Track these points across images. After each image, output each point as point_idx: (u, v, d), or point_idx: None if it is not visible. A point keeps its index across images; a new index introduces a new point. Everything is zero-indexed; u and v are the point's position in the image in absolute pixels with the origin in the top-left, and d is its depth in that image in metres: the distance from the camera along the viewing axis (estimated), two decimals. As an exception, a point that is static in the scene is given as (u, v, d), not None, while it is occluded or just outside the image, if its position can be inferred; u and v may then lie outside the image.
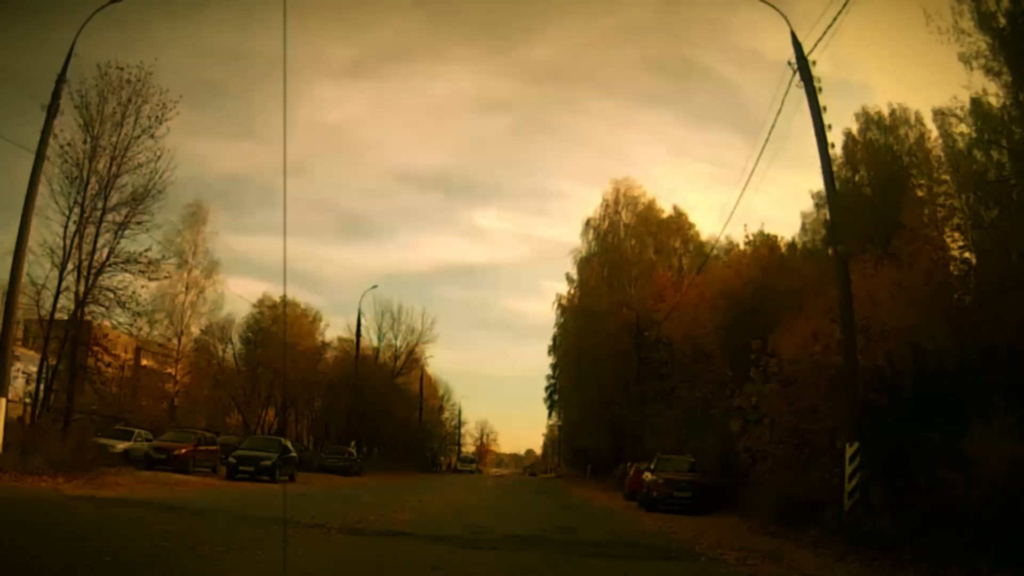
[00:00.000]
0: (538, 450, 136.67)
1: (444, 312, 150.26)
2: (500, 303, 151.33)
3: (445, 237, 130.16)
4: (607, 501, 25.89)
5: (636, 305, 42.23)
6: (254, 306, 49.52)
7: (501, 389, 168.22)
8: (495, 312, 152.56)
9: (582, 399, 50.13)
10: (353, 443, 41.36)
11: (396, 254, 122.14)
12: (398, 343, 61.30)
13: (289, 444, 26.98)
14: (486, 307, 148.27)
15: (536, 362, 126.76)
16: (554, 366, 74.71)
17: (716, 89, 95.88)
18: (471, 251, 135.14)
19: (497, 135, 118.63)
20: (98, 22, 17.53)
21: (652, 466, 21.30)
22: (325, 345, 52.11)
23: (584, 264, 54.71)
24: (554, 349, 73.03)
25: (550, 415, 79.85)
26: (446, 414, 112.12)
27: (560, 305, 59.80)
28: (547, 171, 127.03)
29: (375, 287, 46.89)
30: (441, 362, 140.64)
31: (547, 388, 77.59)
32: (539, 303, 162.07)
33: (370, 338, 59.26)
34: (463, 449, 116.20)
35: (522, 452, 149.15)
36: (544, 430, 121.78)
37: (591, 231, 54.50)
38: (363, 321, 58.43)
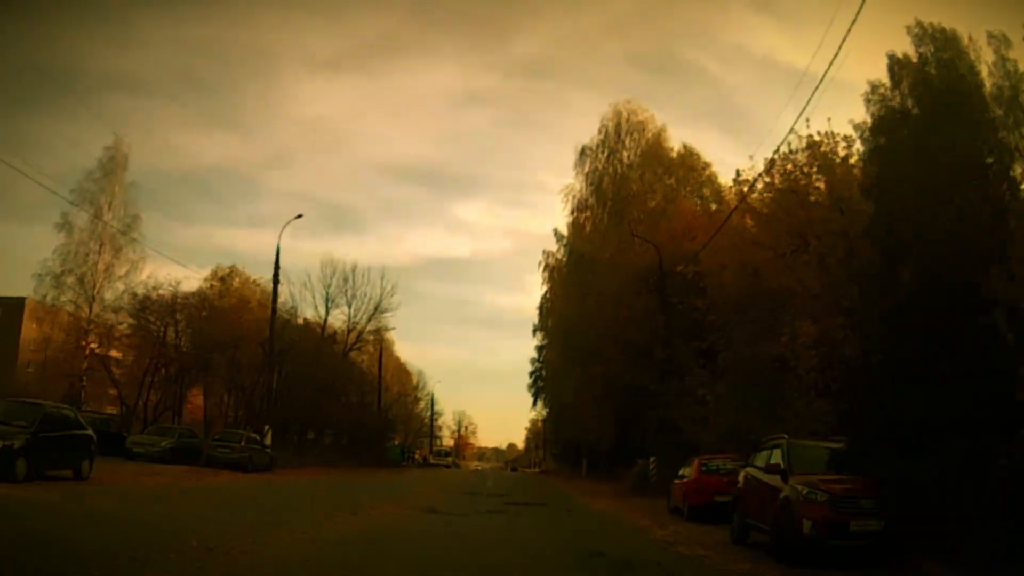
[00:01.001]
0: (520, 444, 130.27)
1: (426, 306, 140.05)
2: (483, 298, 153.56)
3: (428, 230, 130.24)
4: (655, 525, 14.27)
5: (659, 238, 30.96)
6: (204, 280, 39.29)
7: (484, 383, 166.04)
8: (478, 307, 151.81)
9: (578, 379, 38.82)
10: (268, 428, 29.86)
11: (379, 247, 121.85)
12: (352, 312, 49.50)
13: (69, 413, 15.27)
14: (469, 301, 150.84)
15: (519, 356, 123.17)
16: (540, 348, 64.90)
17: (699, 85, 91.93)
18: (454, 245, 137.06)
19: (481, 129, 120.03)
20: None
21: (782, 464, 9.62)
22: (244, 302, 39.93)
23: (579, 208, 43.12)
24: (539, 327, 63.17)
25: (535, 403, 69.42)
26: (421, 404, 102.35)
27: (547, 266, 48.48)
28: (530, 165, 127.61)
29: (299, 217, 33.86)
30: (422, 356, 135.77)
31: (531, 374, 67.57)
32: (522, 298, 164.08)
33: (316, 305, 47.64)
34: (439, 442, 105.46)
35: (504, 446, 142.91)
36: (527, 423, 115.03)
37: (587, 164, 42.85)
38: (310, 286, 47.33)
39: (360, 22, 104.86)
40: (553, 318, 48.25)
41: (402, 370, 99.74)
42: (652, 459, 25.26)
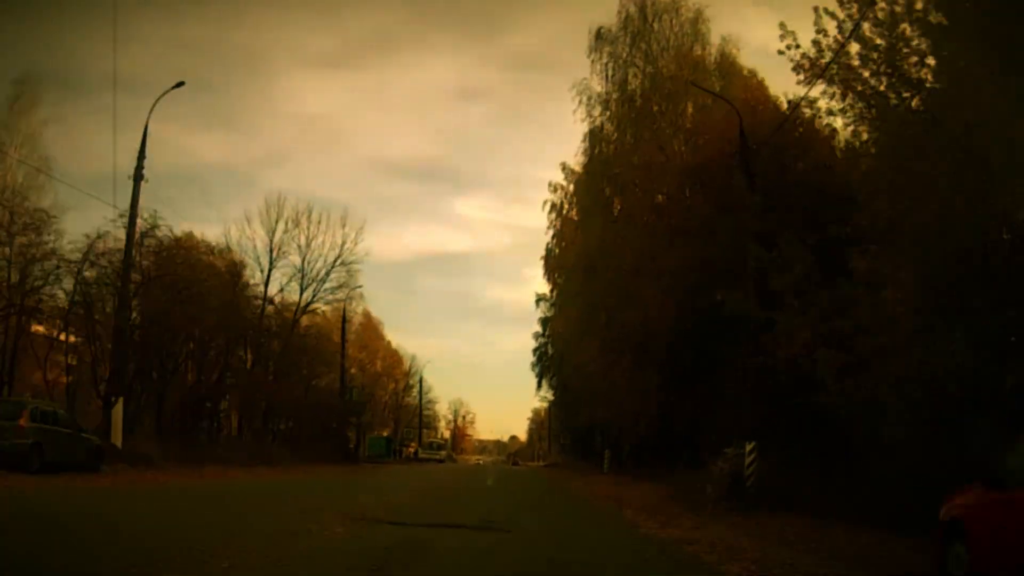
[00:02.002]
0: (523, 436, 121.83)
1: (426, 302, 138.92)
2: (482, 292, 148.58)
3: (426, 227, 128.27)
4: None
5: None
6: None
7: (485, 377, 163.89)
8: (478, 301, 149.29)
9: (602, 337, 27.76)
10: (117, 400, 18.81)
11: (378, 244, 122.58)
12: (306, 264, 37.95)
13: None
14: (468, 296, 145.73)
15: (520, 349, 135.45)
16: (544, 320, 55.25)
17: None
18: (453, 240, 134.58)
19: (478, 124, 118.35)
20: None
21: None
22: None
23: (599, 112, 30.99)
24: (541, 298, 52.95)
25: (539, 385, 59.11)
26: (413, 393, 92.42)
27: (554, 206, 37.31)
28: (528, 160, 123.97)
29: (181, 85, 21.82)
30: (422, 351, 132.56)
31: (535, 351, 57.52)
32: (521, 292, 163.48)
33: (259, 256, 36.08)
34: (433, 433, 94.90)
35: (505, 438, 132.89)
36: (530, 414, 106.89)
37: (604, 53, 30.76)
38: (251, 233, 35.99)
39: (356, 19, 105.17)
40: (564, 266, 37.11)
41: (392, 355, 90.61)
42: (750, 447, 13.98)
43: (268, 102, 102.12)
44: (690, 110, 28.83)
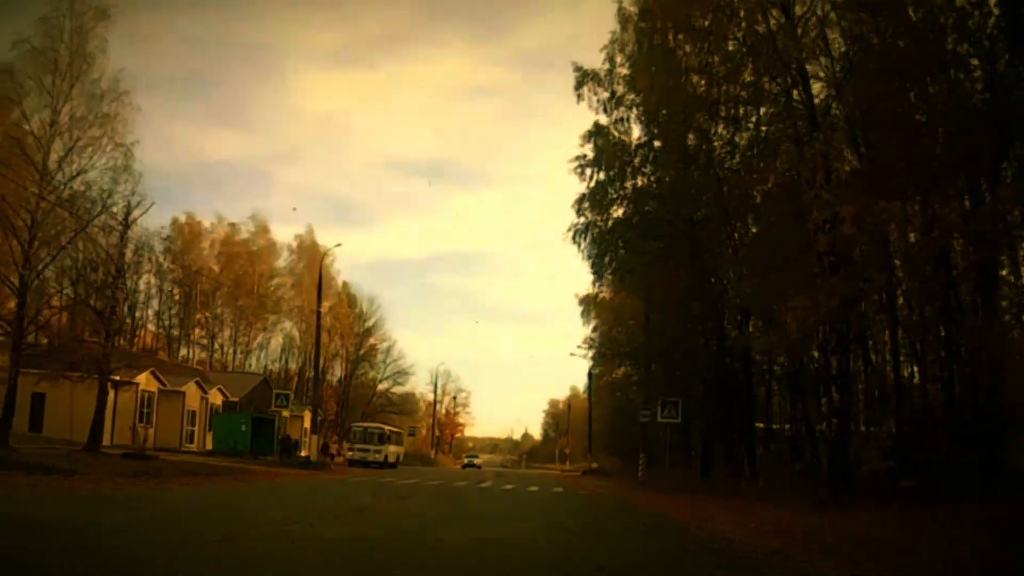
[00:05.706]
0: (537, 434, 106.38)
1: (436, 299, 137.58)
2: (489, 291, 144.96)
3: (436, 224, 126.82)
4: None
5: None
6: None
7: (493, 376, 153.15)
8: (485, 300, 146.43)
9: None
10: None
11: (387, 241, 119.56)
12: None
13: None
14: (477, 294, 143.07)
15: (529, 348, 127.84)
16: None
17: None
18: (462, 238, 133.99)
19: (487, 122, 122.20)
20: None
21: None
22: None
23: None
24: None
25: (598, 271, 24.28)
26: (377, 361, 62.03)
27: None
28: (538, 157, 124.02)
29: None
30: (431, 348, 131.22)
31: (584, 165, 23.84)
32: (529, 289, 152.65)
33: None
34: (409, 422, 61.89)
35: (518, 436, 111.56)
36: (545, 406, 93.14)
37: None
38: None
39: (366, 17, 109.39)
40: None
41: (344, 304, 63.39)
42: None
43: (278, 99, 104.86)
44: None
